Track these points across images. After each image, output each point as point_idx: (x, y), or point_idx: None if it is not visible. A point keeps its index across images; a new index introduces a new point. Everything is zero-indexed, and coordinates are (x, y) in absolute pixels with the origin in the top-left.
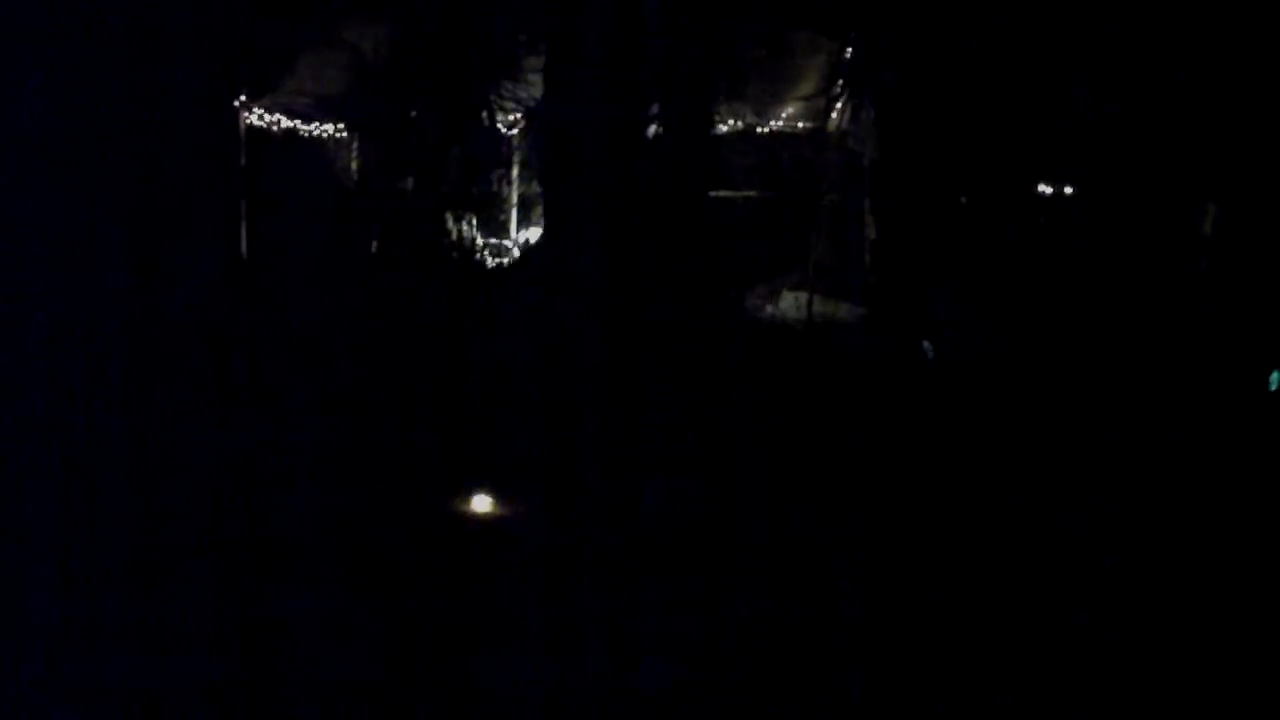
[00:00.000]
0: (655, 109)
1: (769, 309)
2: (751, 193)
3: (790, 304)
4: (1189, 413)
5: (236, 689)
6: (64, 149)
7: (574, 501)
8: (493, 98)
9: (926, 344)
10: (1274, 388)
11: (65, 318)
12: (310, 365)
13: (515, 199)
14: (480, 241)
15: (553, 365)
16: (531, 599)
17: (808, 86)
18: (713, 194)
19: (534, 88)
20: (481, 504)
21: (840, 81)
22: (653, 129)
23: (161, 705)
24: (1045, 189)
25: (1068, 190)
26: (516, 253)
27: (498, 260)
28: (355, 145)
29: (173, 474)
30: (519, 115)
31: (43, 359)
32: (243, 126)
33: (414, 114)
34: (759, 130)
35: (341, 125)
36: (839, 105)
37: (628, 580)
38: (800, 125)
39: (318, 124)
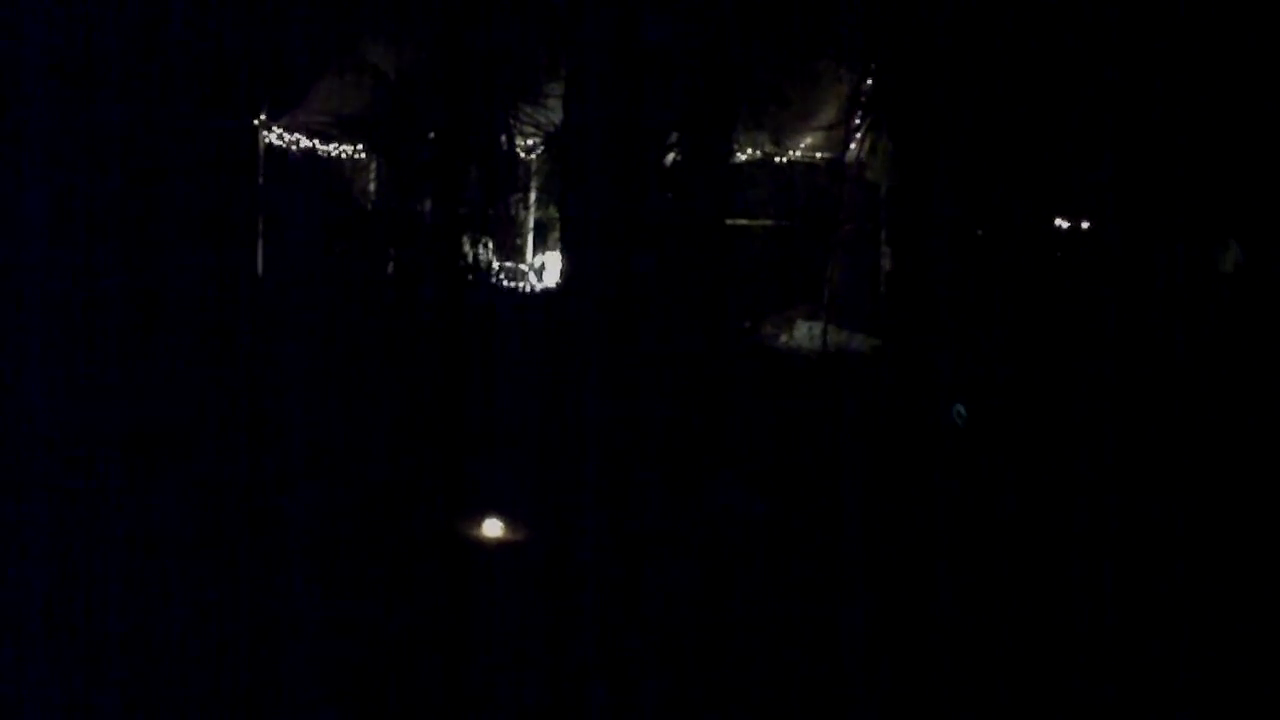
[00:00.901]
0: (674, 137)
1: (783, 338)
2: (768, 221)
3: (804, 333)
4: (1210, 448)
5: (234, 697)
6: (77, 166)
7: (579, 524)
8: (512, 121)
9: (959, 408)
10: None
11: (71, 333)
12: (320, 381)
13: (532, 223)
14: (496, 265)
15: (563, 388)
16: (530, 615)
17: (826, 117)
18: (729, 222)
19: (553, 112)
20: (484, 526)
21: (859, 112)
22: (671, 156)
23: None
24: (1062, 223)
25: (1084, 225)
26: (532, 276)
27: (513, 283)
28: (373, 166)
29: (174, 481)
30: (538, 140)
31: (45, 372)
32: (262, 145)
33: (432, 136)
34: (777, 159)
35: (360, 146)
36: (857, 136)
37: (624, 594)
38: (818, 155)
39: (336, 144)
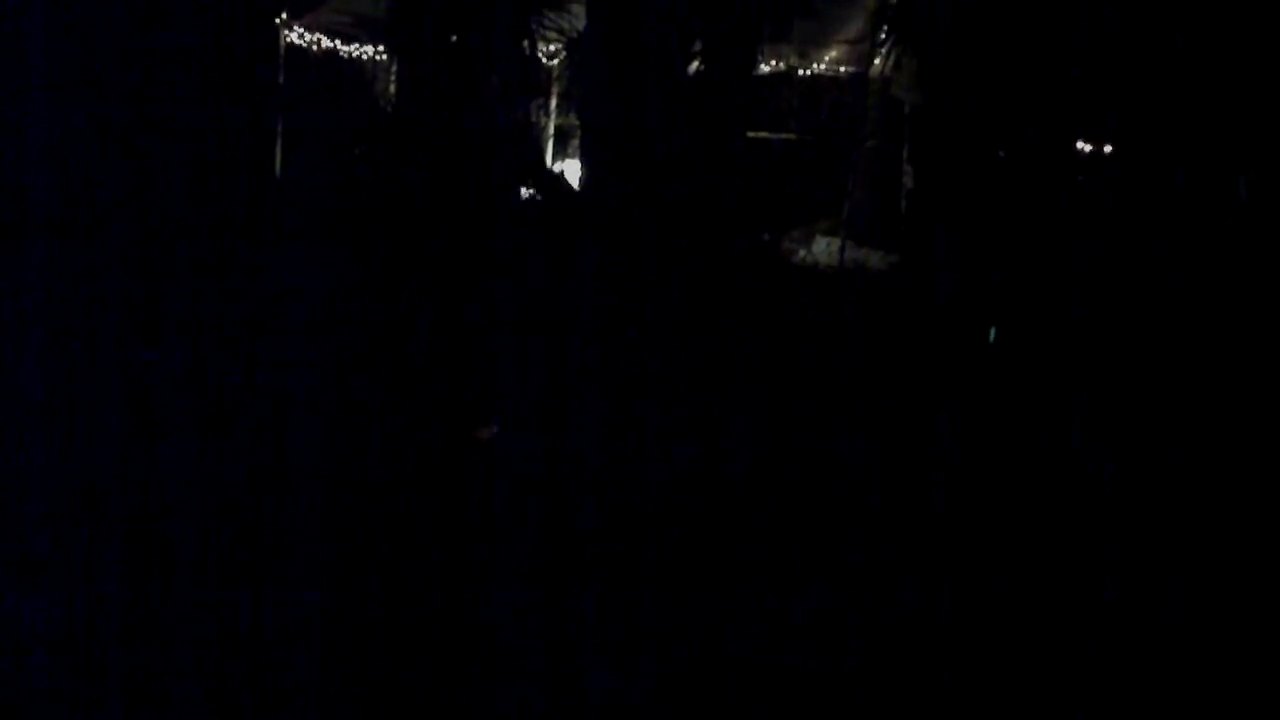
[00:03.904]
0: (698, 46)
1: (801, 252)
2: (790, 135)
3: (823, 248)
4: (1220, 376)
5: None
6: (82, 61)
7: (595, 437)
8: (534, 26)
9: (994, 329)
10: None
11: (71, 245)
12: (335, 289)
13: (552, 130)
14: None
15: (580, 299)
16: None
17: (852, 31)
18: (751, 135)
19: (576, 18)
20: (493, 432)
21: (885, 27)
22: (694, 66)
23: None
24: (1084, 146)
25: (1107, 149)
26: None
27: (532, 190)
28: (394, 68)
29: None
30: (560, 45)
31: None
32: (282, 45)
33: (454, 39)
34: (800, 73)
35: (381, 47)
36: (882, 51)
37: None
38: (842, 70)
39: (357, 45)
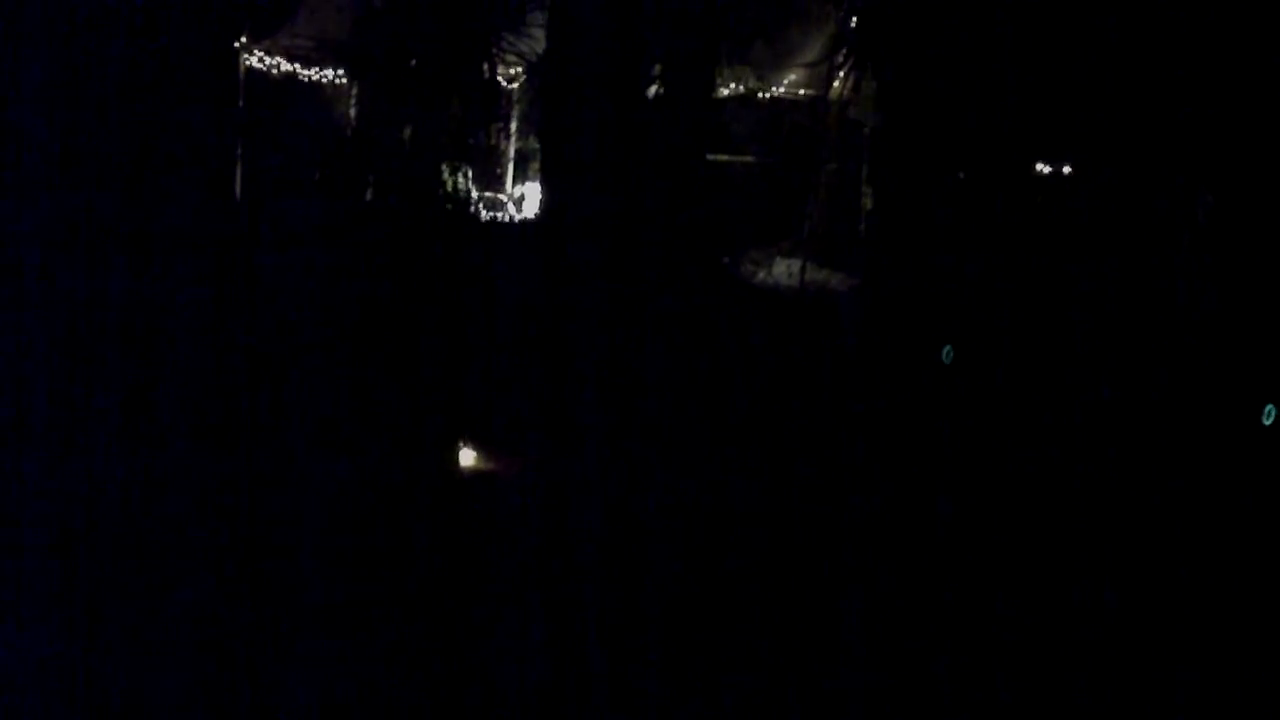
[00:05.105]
0: (657, 69)
1: (762, 274)
2: (749, 158)
3: (783, 270)
4: (1183, 399)
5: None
6: (55, 85)
7: (566, 456)
8: (494, 50)
9: (948, 348)
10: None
11: (56, 260)
12: (302, 312)
13: (512, 153)
14: (475, 194)
15: (543, 322)
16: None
17: (811, 54)
18: (710, 157)
19: (536, 42)
20: (470, 458)
21: (843, 50)
22: (654, 89)
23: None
24: (1044, 168)
25: (1066, 170)
26: (511, 206)
27: (492, 213)
28: (354, 91)
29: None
30: (520, 69)
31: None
32: (242, 69)
33: (414, 63)
34: (760, 95)
35: (341, 71)
36: (842, 74)
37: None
38: (802, 92)
39: (317, 68)
